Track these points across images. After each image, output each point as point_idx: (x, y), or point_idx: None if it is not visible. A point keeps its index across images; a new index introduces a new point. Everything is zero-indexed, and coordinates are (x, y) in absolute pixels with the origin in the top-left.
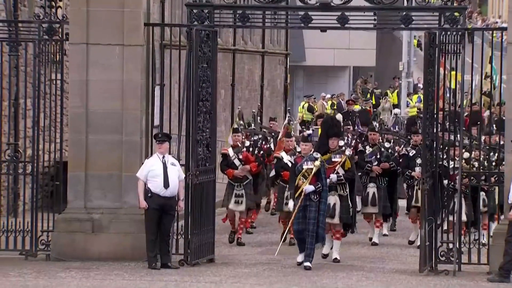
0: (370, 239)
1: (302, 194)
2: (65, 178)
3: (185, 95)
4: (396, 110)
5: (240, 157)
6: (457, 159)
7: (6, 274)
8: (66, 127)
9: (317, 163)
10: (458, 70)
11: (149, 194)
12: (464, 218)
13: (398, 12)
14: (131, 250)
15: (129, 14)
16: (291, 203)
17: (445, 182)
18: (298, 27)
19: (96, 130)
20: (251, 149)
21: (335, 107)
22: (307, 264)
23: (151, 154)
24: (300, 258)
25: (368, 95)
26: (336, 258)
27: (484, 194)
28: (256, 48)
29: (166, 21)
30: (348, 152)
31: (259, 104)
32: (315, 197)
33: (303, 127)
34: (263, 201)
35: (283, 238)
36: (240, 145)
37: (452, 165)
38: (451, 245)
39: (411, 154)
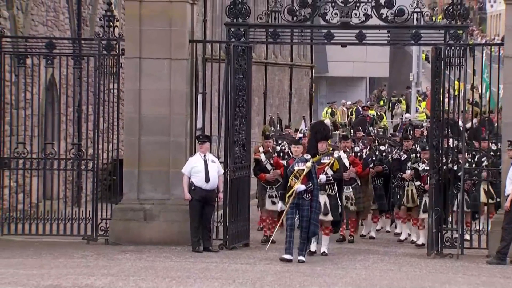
0: (362, 235)
1: (294, 193)
2: (121, 174)
3: (224, 102)
4: (407, 115)
5: (272, 162)
6: (427, 162)
7: (71, 256)
8: (122, 129)
9: (309, 164)
10: (461, 80)
11: (193, 187)
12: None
13: (409, 30)
14: (178, 235)
15: (176, 32)
16: (280, 204)
17: (417, 183)
18: (321, 43)
19: (148, 132)
20: (281, 154)
21: (354, 113)
22: (301, 258)
23: (194, 153)
24: (287, 256)
25: (382, 102)
26: (324, 252)
27: (465, 194)
28: (285, 61)
29: (208, 38)
30: (336, 154)
31: (278, 112)
32: (307, 196)
33: None
34: None
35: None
36: (271, 150)
37: (422, 168)
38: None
39: (403, 158)
